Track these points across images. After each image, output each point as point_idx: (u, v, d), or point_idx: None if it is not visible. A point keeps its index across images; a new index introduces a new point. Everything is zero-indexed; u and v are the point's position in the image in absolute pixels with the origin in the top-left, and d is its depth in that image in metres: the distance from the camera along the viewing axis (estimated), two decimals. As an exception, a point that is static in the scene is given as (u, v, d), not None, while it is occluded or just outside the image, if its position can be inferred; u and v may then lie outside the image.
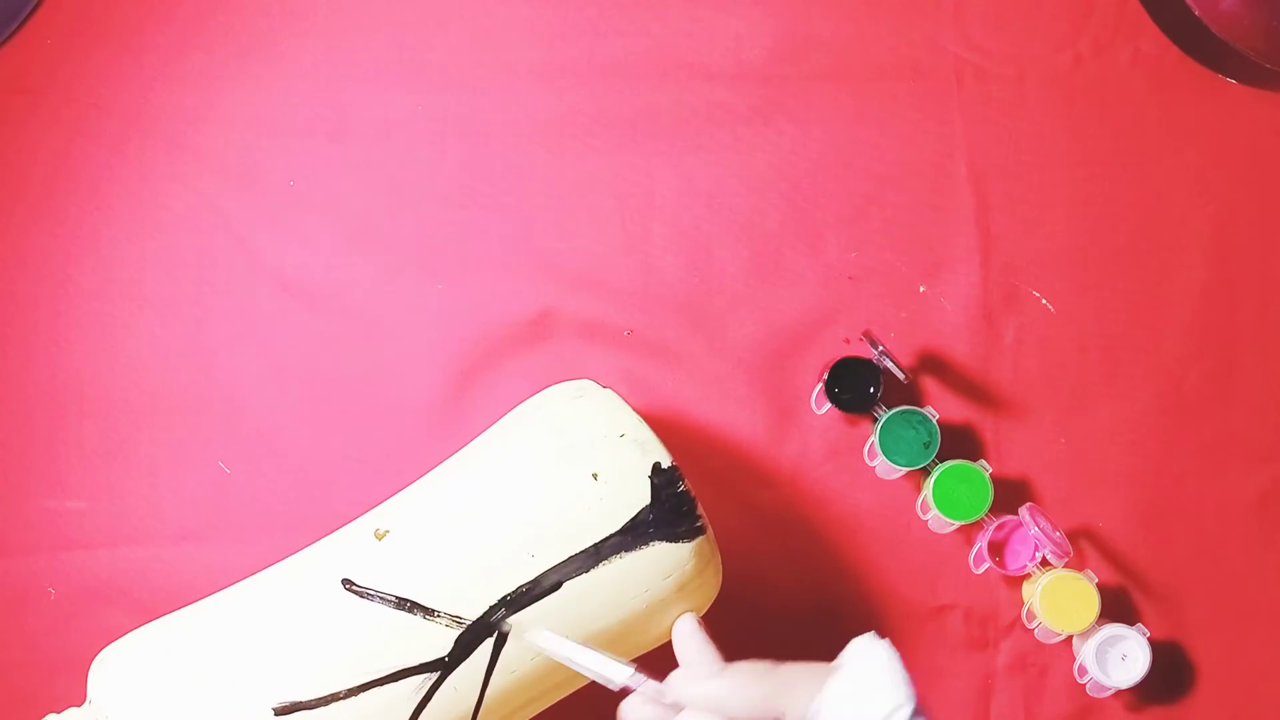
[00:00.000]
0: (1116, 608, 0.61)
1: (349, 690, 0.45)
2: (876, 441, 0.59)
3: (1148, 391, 0.62)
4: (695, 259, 0.63)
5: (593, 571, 0.47)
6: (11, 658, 0.60)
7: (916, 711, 0.36)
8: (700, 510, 0.48)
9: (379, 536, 0.49)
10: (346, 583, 0.47)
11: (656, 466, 0.48)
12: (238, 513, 0.60)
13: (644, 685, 0.41)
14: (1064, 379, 0.62)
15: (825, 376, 0.60)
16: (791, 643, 0.60)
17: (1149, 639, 0.57)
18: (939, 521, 0.59)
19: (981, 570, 0.60)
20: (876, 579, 0.61)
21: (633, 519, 0.47)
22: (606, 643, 0.47)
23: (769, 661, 0.39)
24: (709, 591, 0.50)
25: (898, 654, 0.37)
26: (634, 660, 0.44)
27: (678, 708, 0.40)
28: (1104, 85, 0.64)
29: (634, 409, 0.50)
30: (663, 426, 0.61)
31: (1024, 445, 0.62)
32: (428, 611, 0.46)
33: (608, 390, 0.53)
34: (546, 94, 0.63)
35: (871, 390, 0.59)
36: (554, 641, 0.45)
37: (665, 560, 0.47)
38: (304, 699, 0.45)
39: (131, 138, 0.63)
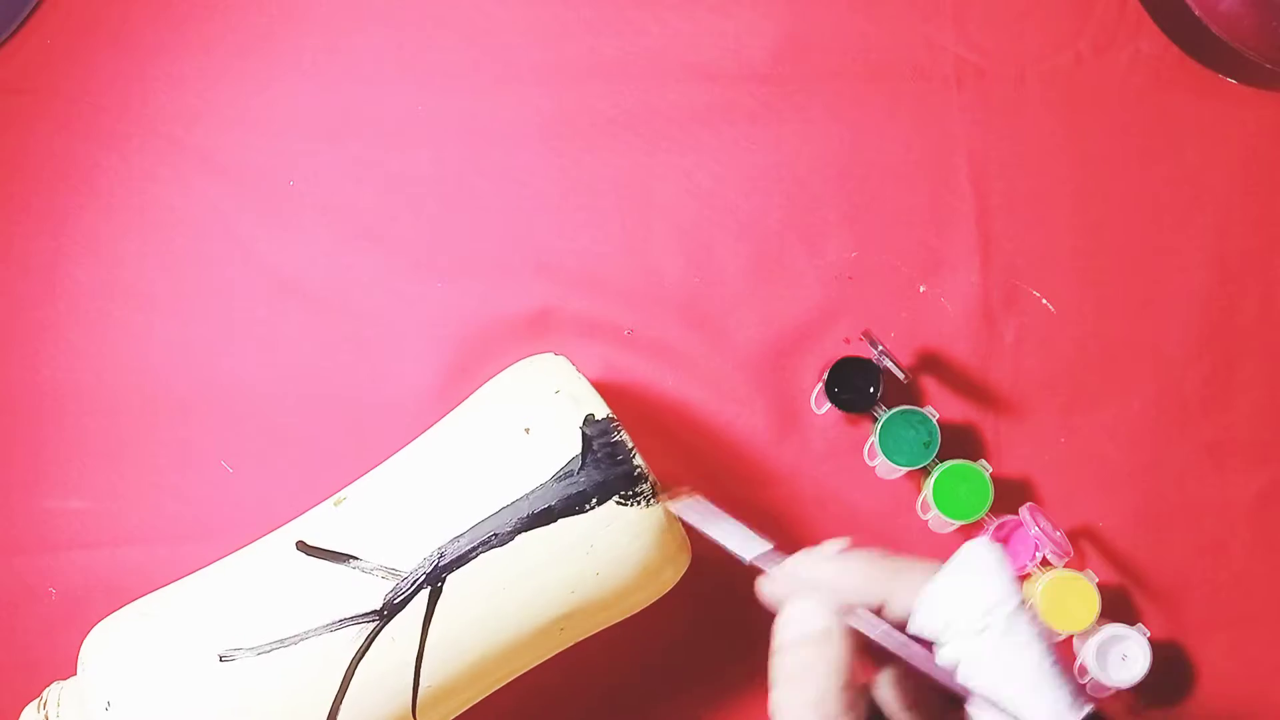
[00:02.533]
0: (1116, 608, 0.61)
1: (290, 638, 0.47)
2: (876, 441, 0.59)
3: (1148, 391, 0.63)
4: (695, 259, 0.63)
5: (528, 521, 0.48)
6: (11, 658, 0.60)
7: (1020, 609, 0.36)
8: (639, 460, 0.48)
9: (337, 504, 0.51)
10: (300, 544, 0.50)
11: (589, 418, 0.49)
12: (239, 512, 0.60)
13: (770, 563, 0.42)
14: (1064, 379, 0.62)
15: (825, 376, 0.60)
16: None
17: (1149, 639, 0.57)
18: (939, 521, 0.59)
19: (981, 570, 0.60)
20: (876, 579, 0.61)
21: (563, 468, 0.48)
22: (568, 606, 0.48)
23: (883, 550, 0.40)
24: (667, 549, 0.49)
25: (1007, 559, 0.38)
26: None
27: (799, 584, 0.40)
28: (1104, 85, 0.64)
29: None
30: (662, 426, 0.61)
31: (1024, 445, 0.62)
32: (364, 565, 0.48)
33: (559, 357, 0.54)
34: (546, 94, 0.63)
35: (871, 390, 0.59)
36: (695, 508, 0.46)
37: (602, 513, 0.48)
38: (247, 646, 0.47)
39: (131, 137, 0.63)
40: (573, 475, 0.48)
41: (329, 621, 0.47)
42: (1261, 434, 0.62)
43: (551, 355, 0.54)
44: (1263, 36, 0.62)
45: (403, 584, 0.47)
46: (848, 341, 0.62)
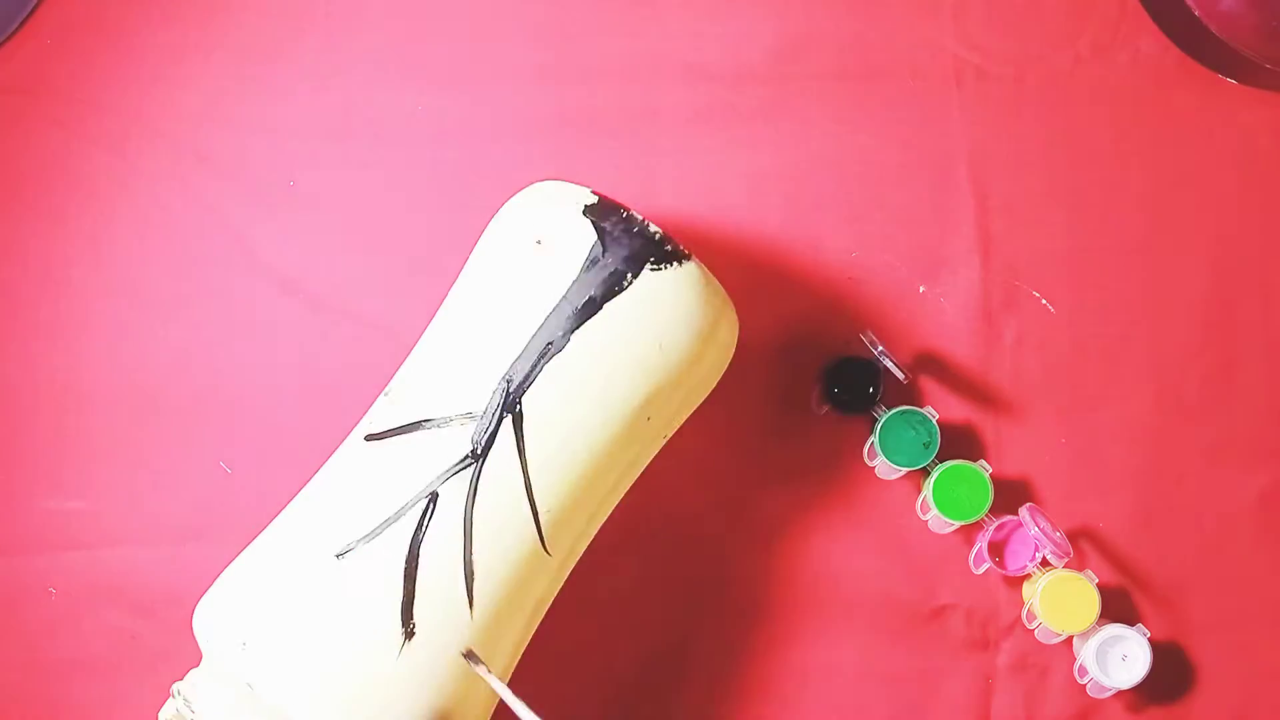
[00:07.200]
0: (1117, 608, 0.61)
1: (396, 513, 0.47)
2: (876, 441, 0.59)
3: (1148, 391, 0.62)
4: (695, 259, 0.62)
5: (576, 318, 0.48)
6: (11, 658, 0.60)
7: None
8: (653, 226, 0.49)
9: (387, 395, 0.52)
10: (368, 436, 0.50)
11: (589, 206, 0.50)
12: (238, 513, 0.60)
13: None
14: (1064, 379, 0.62)
15: (825, 376, 0.60)
16: (792, 643, 0.60)
17: (1149, 639, 0.57)
18: (939, 521, 0.59)
19: (981, 570, 0.60)
20: (876, 579, 0.61)
21: (588, 258, 0.48)
22: (645, 388, 0.49)
23: None
24: (714, 302, 0.50)
25: None
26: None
27: None
28: (1104, 85, 0.64)
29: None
30: (663, 426, 0.61)
31: (1024, 445, 0.62)
32: (439, 422, 0.48)
33: (530, 186, 0.54)
34: (546, 94, 0.63)
35: (871, 390, 0.59)
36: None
37: (641, 284, 0.48)
38: (358, 537, 0.47)
39: (131, 138, 0.63)
40: (599, 260, 0.48)
41: (428, 482, 0.47)
42: (1261, 434, 0.62)
43: (525, 190, 0.54)
44: (1263, 36, 0.62)
45: (483, 421, 0.47)
46: (848, 341, 0.62)
